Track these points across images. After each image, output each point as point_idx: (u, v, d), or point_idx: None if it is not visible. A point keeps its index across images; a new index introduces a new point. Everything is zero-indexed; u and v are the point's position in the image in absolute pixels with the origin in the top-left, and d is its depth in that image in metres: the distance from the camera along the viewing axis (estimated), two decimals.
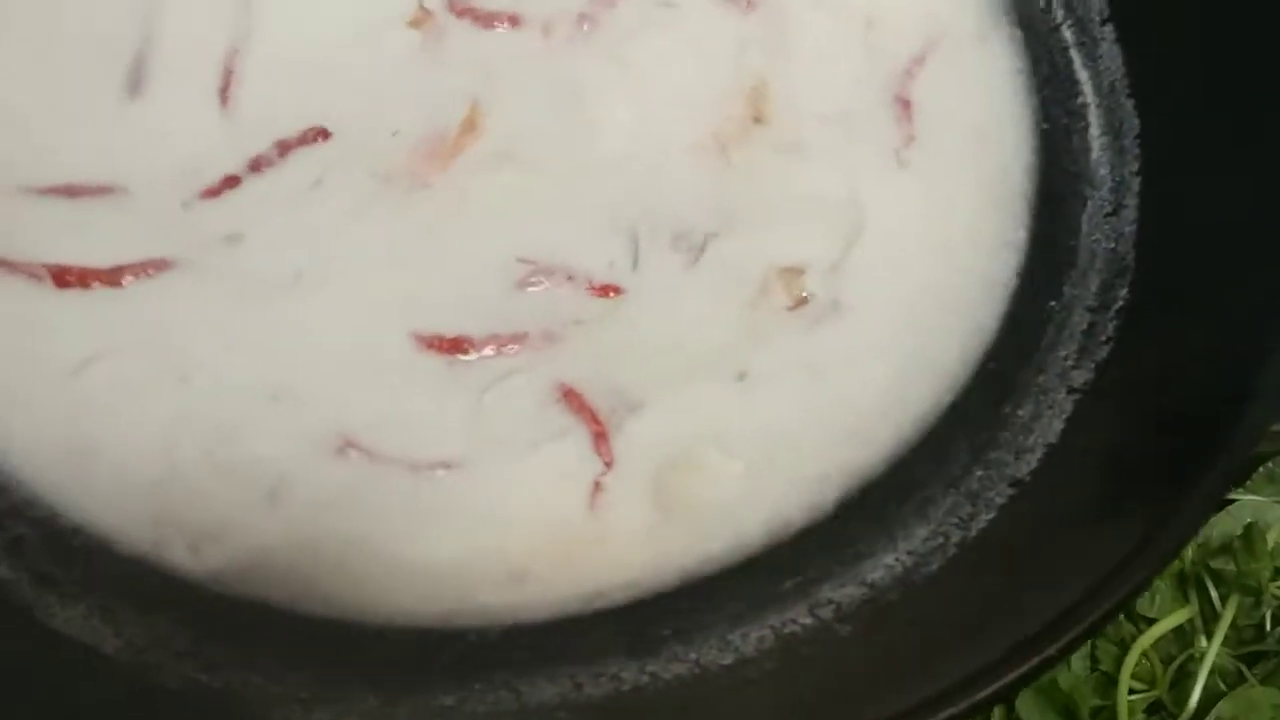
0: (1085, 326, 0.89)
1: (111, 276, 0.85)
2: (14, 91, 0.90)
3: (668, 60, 0.94)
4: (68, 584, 0.79)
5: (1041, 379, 0.87)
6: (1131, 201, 0.92)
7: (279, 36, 0.92)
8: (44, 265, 0.85)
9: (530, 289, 0.86)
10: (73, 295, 0.84)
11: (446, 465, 0.82)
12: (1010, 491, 0.83)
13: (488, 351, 0.85)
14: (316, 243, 0.87)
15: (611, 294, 0.87)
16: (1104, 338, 0.88)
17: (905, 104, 0.95)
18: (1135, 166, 0.93)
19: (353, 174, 0.88)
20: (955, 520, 0.83)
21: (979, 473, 0.84)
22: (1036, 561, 0.78)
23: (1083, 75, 0.98)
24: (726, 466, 0.84)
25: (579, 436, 0.83)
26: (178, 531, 0.80)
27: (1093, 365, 0.87)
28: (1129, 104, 0.95)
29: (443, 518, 0.82)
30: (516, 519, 0.82)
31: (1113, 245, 0.91)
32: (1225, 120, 0.87)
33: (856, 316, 0.88)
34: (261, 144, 0.89)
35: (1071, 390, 0.86)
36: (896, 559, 0.82)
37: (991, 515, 0.82)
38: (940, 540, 0.82)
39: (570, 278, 0.87)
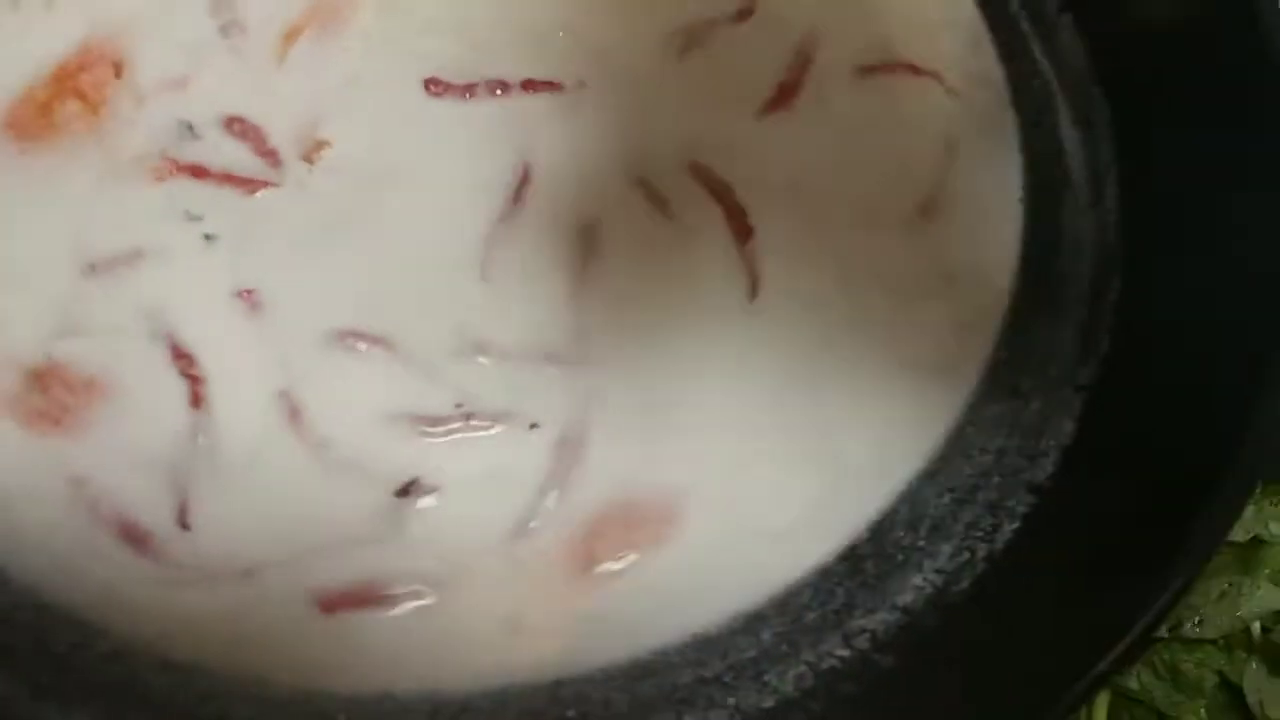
0: (1083, 320, 0.87)
1: None
2: None
3: None
4: None
5: (1047, 378, 0.86)
6: (1112, 190, 0.91)
7: None
8: None
9: None
10: None
11: None
12: (1031, 499, 0.81)
13: None
14: None
15: None
16: (1104, 329, 0.86)
17: None
18: (1111, 154, 0.92)
19: None
20: (979, 533, 0.81)
21: (996, 480, 0.83)
22: (1074, 570, 0.76)
23: (1045, 65, 0.97)
24: None
25: None
26: None
27: (1097, 360, 0.85)
28: (1097, 91, 0.94)
29: None
30: None
31: (1098, 236, 0.90)
32: (1200, 104, 0.86)
33: None
34: None
35: (1079, 388, 0.85)
36: (924, 578, 0.80)
37: (1015, 525, 0.80)
38: (967, 556, 0.80)
39: None
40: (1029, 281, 0.89)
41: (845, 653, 0.77)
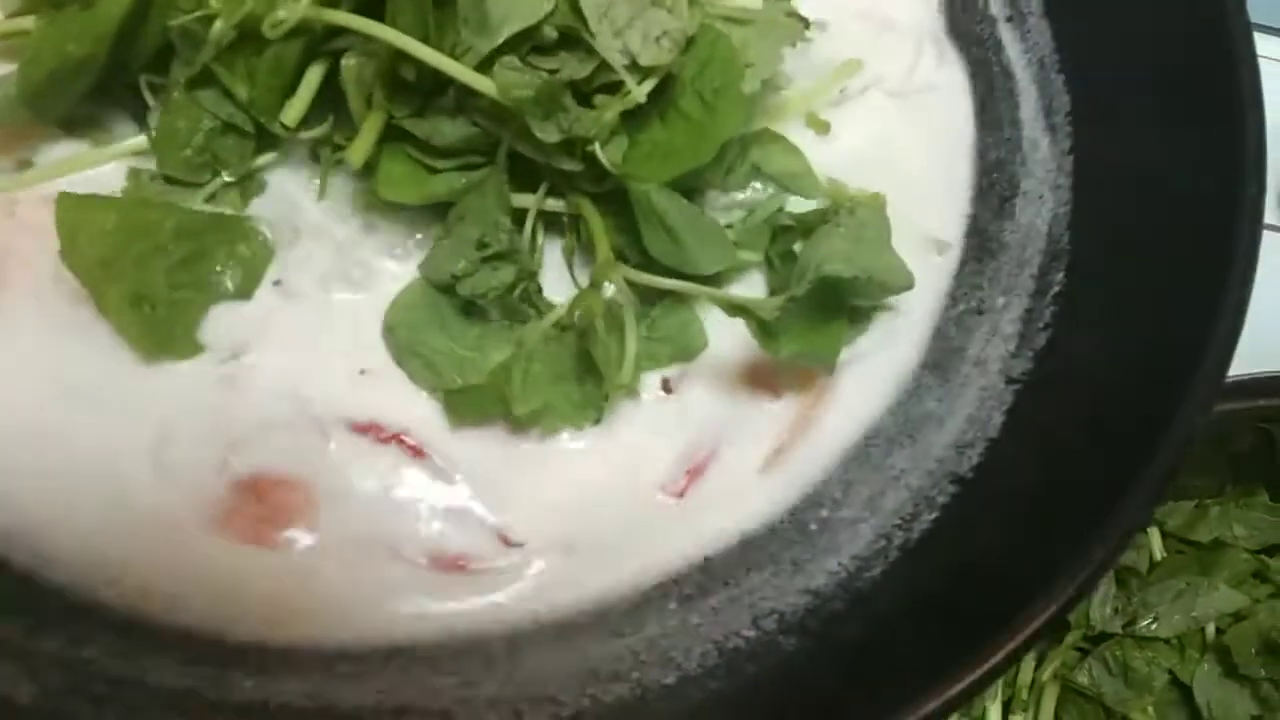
0: (1023, 314, 0.87)
1: None
2: None
3: None
4: None
5: (981, 370, 0.85)
6: (1065, 181, 0.90)
7: None
8: None
9: None
10: None
11: None
12: (953, 489, 0.81)
13: None
14: None
15: None
16: (1041, 324, 0.86)
17: None
18: (1067, 145, 0.91)
19: None
20: (898, 521, 0.81)
21: (926, 468, 0.82)
22: (981, 562, 0.76)
23: (1014, 52, 0.96)
24: None
25: None
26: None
27: (1031, 354, 0.85)
28: (1059, 80, 0.93)
29: None
30: None
31: (1046, 228, 0.89)
32: (1157, 97, 0.85)
33: None
34: None
35: (1011, 381, 0.85)
36: (839, 563, 0.80)
37: (935, 515, 0.80)
38: (883, 543, 0.80)
39: None
40: (971, 273, 0.89)
41: (752, 633, 0.76)
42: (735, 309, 0.77)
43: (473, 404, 0.79)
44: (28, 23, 0.81)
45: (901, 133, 0.91)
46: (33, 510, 0.77)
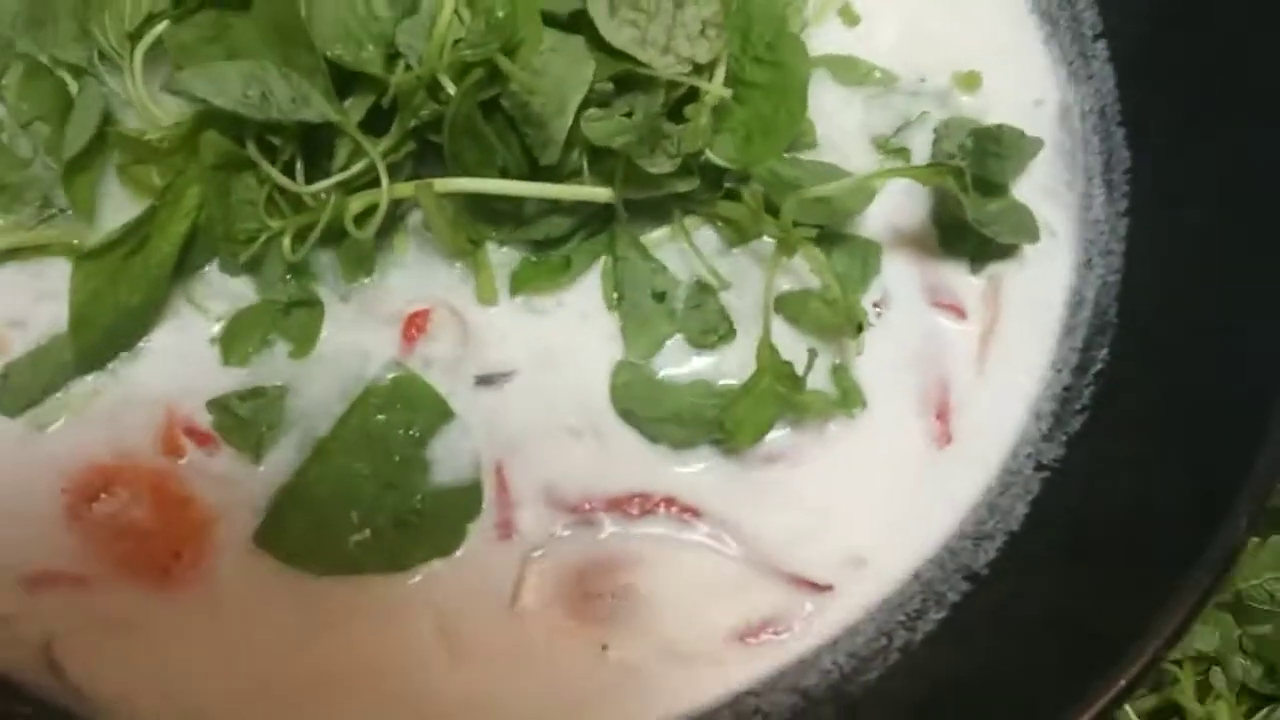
0: (1060, 392, 0.78)
1: None
2: None
3: None
4: None
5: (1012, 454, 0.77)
6: (1117, 247, 0.81)
7: None
8: None
9: None
10: None
11: None
12: (965, 587, 0.73)
13: None
14: None
15: None
16: (1079, 407, 0.77)
17: None
18: (1123, 206, 0.82)
19: None
20: (902, 617, 0.73)
21: (939, 560, 0.75)
22: (982, 672, 0.68)
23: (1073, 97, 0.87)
24: None
25: None
26: None
27: (1064, 439, 0.76)
28: (1120, 133, 0.84)
29: None
30: None
31: (1093, 295, 0.81)
32: (1214, 163, 0.76)
33: None
34: None
35: (1040, 467, 0.76)
36: (834, 661, 0.72)
37: (942, 614, 0.72)
38: (883, 642, 0.72)
39: None
40: None
41: None
42: (933, 175, 0.73)
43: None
44: (31, 236, 0.77)
45: None
46: None
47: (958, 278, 0.80)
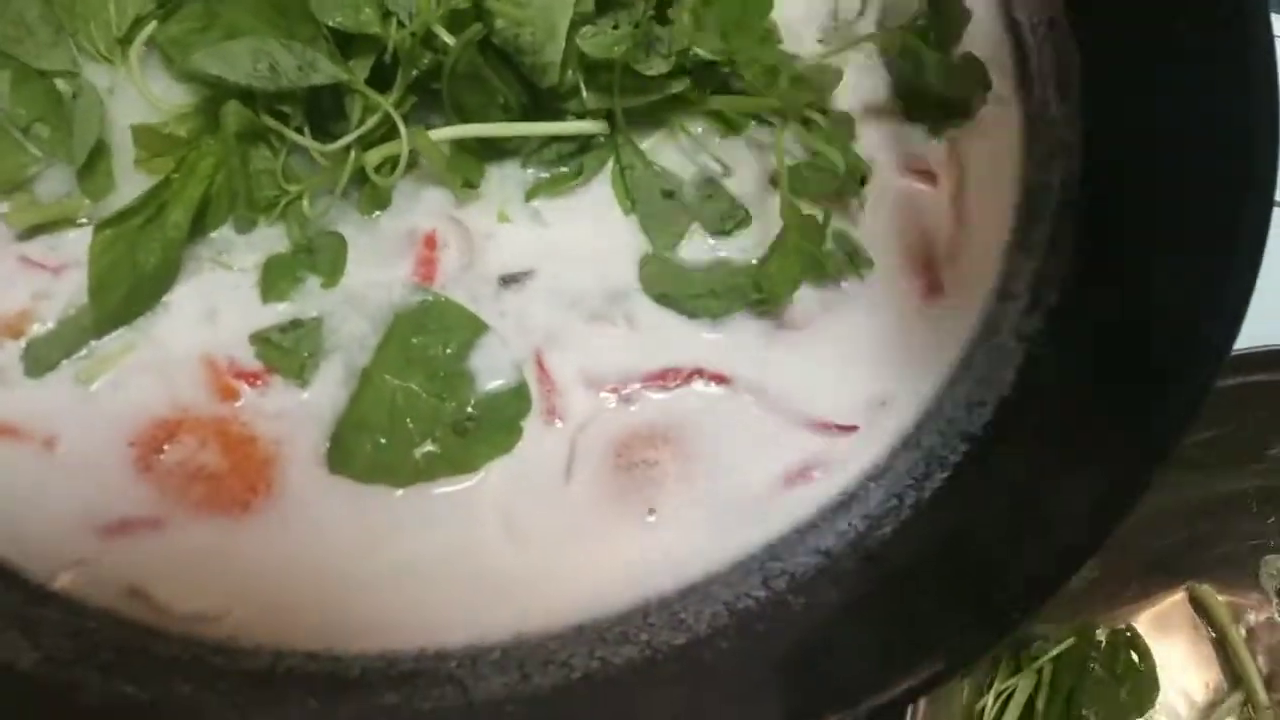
0: (1036, 269, 0.85)
1: None
2: None
3: None
4: None
5: (994, 327, 0.84)
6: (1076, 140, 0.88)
7: None
8: None
9: None
10: None
11: None
12: (964, 448, 0.80)
13: None
14: None
15: None
16: (1055, 282, 0.84)
17: None
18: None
19: None
20: (911, 481, 0.80)
21: (936, 427, 0.82)
22: (994, 524, 0.75)
23: None
24: None
25: None
26: None
27: (1043, 313, 0.84)
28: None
29: None
30: None
31: (1061, 178, 0.87)
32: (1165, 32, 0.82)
33: None
34: None
35: (1022, 338, 0.83)
36: (849, 523, 0.79)
37: (946, 474, 0.79)
38: (894, 502, 0.79)
39: None
40: None
41: (762, 594, 0.76)
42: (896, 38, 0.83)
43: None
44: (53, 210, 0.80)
45: None
46: None
47: (924, 146, 0.87)
